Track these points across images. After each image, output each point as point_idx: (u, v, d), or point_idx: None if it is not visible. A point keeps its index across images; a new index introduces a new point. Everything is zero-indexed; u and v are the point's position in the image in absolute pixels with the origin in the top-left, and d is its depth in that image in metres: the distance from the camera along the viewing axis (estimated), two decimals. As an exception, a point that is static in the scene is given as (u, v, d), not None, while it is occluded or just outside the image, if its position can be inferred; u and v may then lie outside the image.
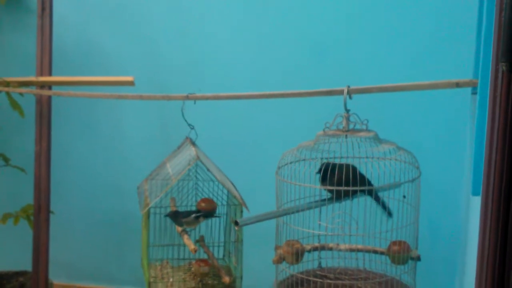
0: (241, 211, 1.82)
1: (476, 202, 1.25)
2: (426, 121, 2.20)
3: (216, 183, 1.90)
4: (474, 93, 1.78)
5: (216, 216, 1.94)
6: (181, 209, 1.97)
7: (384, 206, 1.59)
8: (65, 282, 2.72)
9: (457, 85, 1.55)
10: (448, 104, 2.15)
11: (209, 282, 1.90)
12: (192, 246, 1.77)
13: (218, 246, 2.04)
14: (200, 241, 1.99)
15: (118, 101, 2.47)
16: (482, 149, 1.13)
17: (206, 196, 2.00)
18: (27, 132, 2.41)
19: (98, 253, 2.69)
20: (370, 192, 1.56)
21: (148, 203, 1.78)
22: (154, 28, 2.46)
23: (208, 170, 1.80)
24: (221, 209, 2.00)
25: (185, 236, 1.84)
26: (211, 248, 2.00)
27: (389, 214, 1.59)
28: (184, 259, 2.01)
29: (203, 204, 1.97)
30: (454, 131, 2.17)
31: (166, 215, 1.89)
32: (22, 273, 2.52)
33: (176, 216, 1.87)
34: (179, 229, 1.89)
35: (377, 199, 1.59)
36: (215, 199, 1.98)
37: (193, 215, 1.86)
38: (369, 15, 2.23)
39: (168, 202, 1.97)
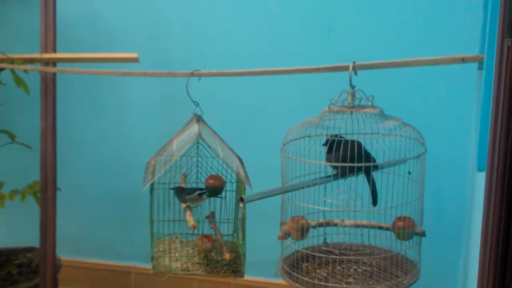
0: (244, 188, 1.82)
1: (482, 178, 1.25)
2: (432, 97, 2.19)
3: (220, 160, 1.91)
4: (480, 68, 1.77)
5: (219, 197, 1.94)
6: (189, 185, 1.98)
7: (373, 192, 1.59)
8: (73, 258, 2.74)
9: (463, 60, 1.54)
10: (454, 79, 2.14)
11: (214, 258, 1.91)
12: (191, 222, 1.77)
13: (228, 223, 2.05)
14: (209, 217, 2.00)
15: (123, 77, 2.47)
16: (487, 124, 1.12)
17: (210, 173, 2.01)
18: (32, 109, 2.41)
19: (106, 229, 2.71)
20: (367, 172, 1.55)
21: (149, 180, 1.79)
22: (158, 4, 2.45)
23: (209, 147, 1.80)
24: (229, 186, 2.00)
25: (188, 212, 1.85)
26: (222, 225, 2.01)
27: (374, 202, 1.59)
28: (194, 234, 2.02)
29: (211, 181, 1.97)
30: (460, 106, 2.16)
31: (172, 188, 1.91)
32: (30, 249, 2.55)
33: (181, 193, 1.88)
34: (184, 205, 1.90)
35: (372, 183, 1.58)
36: (222, 176, 1.98)
37: (197, 192, 1.86)
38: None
39: (170, 179, 1.97)
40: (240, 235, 1.89)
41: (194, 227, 1.78)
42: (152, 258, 1.88)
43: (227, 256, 1.82)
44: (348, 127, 1.56)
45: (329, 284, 1.53)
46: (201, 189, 1.90)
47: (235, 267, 1.87)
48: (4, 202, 2.17)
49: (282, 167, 1.62)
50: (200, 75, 1.86)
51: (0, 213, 2.18)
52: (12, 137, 2.37)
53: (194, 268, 1.87)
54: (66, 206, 2.52)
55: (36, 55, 2.22)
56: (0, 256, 2.45)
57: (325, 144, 1.56)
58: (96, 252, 2.74)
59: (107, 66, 2.25)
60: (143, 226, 2.01)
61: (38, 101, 2.25)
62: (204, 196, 1.87)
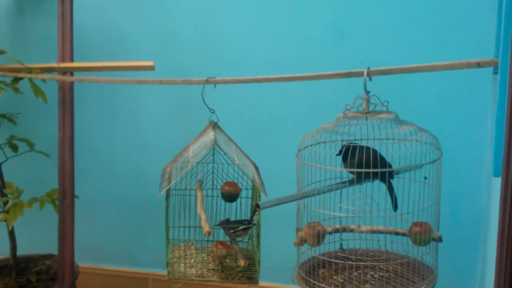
0: (259, 195, 1.83)
1: (498, 183, 1.24)
2: (447, 102, 2.18)
3: (236, 167, 1.92)
4: (495, 73, 1.77)
5: (250, 224, 1.95)
6: (205, 192, 1.99)
7: (392, 198, 1.59)
8: (91, 265, 2.76)
9: (478, 65, 1.53)
10: (470, 84, 2.13)
11: (229, 264, 1.92)
12: (206, 228, 1.78)
13: None
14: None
15: (139, 85, 2.48)
16: (503, 129, 1.12)
17: (226, 180, 2.01)
18: (50, 117, 2.44)
19: (123, 236, 2.73)
20: (384, 180, 1.56)
21: (165, 186, 1.81)
22: (173, 12, 2.46)
23: (225, 154, 1.81)
24: (245, 193, 2.01)
25: (202, 218, 1.85)
26: (239, 232, 2.02)
27: (395, 207, 1.59)
28: (209, 240, 2.03)
29: (226, 188, 1.98)
30: (475, 111, 2.14)
31: (218, 224, 1.95)
32: (49, 257, 2.57)
33: (226, 226, 1.92)
34: (199, 209, 1.90)
35: (391, 188, 1.59)
36: (238, 183, 1.99)
37: (242, 227, 1.90)
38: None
39: (186, 185, 1.99)
40: (255, 242, 1.89)
41: (209, 233, 1.78)
42: (167, 264, 1.89)
43: (242, 262, 1.82)
44: (363, 133, 1.56)
45: (346, 290, 1.53)
46: (245, 221, 1.92)
47: (250, 273, 1.88)
48: (23, 210, 2.19)
49: (297, 173, 1.62)
50: (215, 83, 1.87)
51: (19, 221, 2.20)
52: (30, 145, 2.39)
53: (209, 274, 1.88)
54: (84, 214, 2.54)
55: (54, 64, 2.24)
56: (19, 263, 2.48)
57: (339, 154, 1.56)
58: (114, 258, 2.75)
59: (123, 74, 2.27)
60: (159, 232, 2.02)
61: (56, 110, 2.27)
62: (249, 231, 1.91)
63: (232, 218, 2.02)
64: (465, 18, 2.10)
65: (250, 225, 1.91)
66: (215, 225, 1.99)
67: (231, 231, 1.90)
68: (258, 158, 1.94)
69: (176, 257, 1.96)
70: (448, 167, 1.67)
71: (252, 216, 1.92)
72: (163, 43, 2.49)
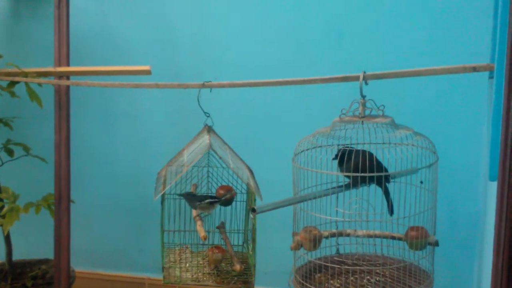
0: (255, 199, 1.82)
1: (494, 187, 1.24)
2: (443, 106, 2.18)
3: (231, 171, 1.91)
4: (491, 77, 1.77)
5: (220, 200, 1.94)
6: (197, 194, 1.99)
7: (388, 202, 1.59)
8: (87, 269, 2.75)
9: (474, 69, 1.53)
10: (465, 88, 2.13)
11: (224, 268, 1.91)
12: (202, 233, 1.78)
13: (239, 233, 2.06)
14: (220, 227, 2.00)
15: (135, 89, 2.48)
16: (498, 133, 1.12)
17: (221, 183, 2.01)
18: (46, 121, 2.44)
19: (119, 241, 2.72)
20: (380, 183, 1.56)
21: (160, 190, 1.80)
22: (170, 16, 2.47)
23: (220, 158, 1.80)
24: (240, 197, 2.01)
25: (198, 223, 1.86)
26: (232, 235, 2.02)
27: (391, 212, 1.59)
28: (204, 244, 2.03)
29: (221, 192, 1.98)
30: (471, 115, 2.15)
31: (181, 194, 1.91)
32: (45, 261, 2.56)
33: (191, 199, 1.89)
34: (195, 214, 1.91)
35: (387, 193, 1.59)
36: (233, 187, 1.99)
37: (207, 201, 1.87)
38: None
39: (181, 189, 1.98)
40: (251, 246, 1.89)
41: (205, 238, 1.78)
42: (163, 268, 1.89)
43: (237, 267, 1.82)
44: (360, 137, 1.56)
45: (342, 295, 1.53)
46: (212, 197, 1.90)
47: (246, 278, 1.87)
48: (19, 215, 2.19)
49: (293, 177, 1.62)
50: (211, 87, 1.87)
51: (15, 226, 2.19)
52: (26, 149, 2.39)
53: (205, 278, 1.88)
54: (79, 218, 2.53)
55: (50, 68, 2.24)
56: (15, 268, 2.47)
57: (335, 158, 1.56)
58: (110, 263, 2.75)
59: (119, 78, 2.27)
60: (156, 236, 2.02)
61: (52, 114, 2.27)
62: (215, 205, 1.88)
63: (227, 223, 2.02)
64: (461, 23, 2.11)
65: (216, 200, 1.89)
66: (216, 226, 1.98)
67: (197, 202, 1.88)
68: (254, 162, 1.94)
69: (172, 261, 1.95)
70: (444, 171, 1.67)
71: (222, 197, 1.91)
72: (160, 47, 2.49)
